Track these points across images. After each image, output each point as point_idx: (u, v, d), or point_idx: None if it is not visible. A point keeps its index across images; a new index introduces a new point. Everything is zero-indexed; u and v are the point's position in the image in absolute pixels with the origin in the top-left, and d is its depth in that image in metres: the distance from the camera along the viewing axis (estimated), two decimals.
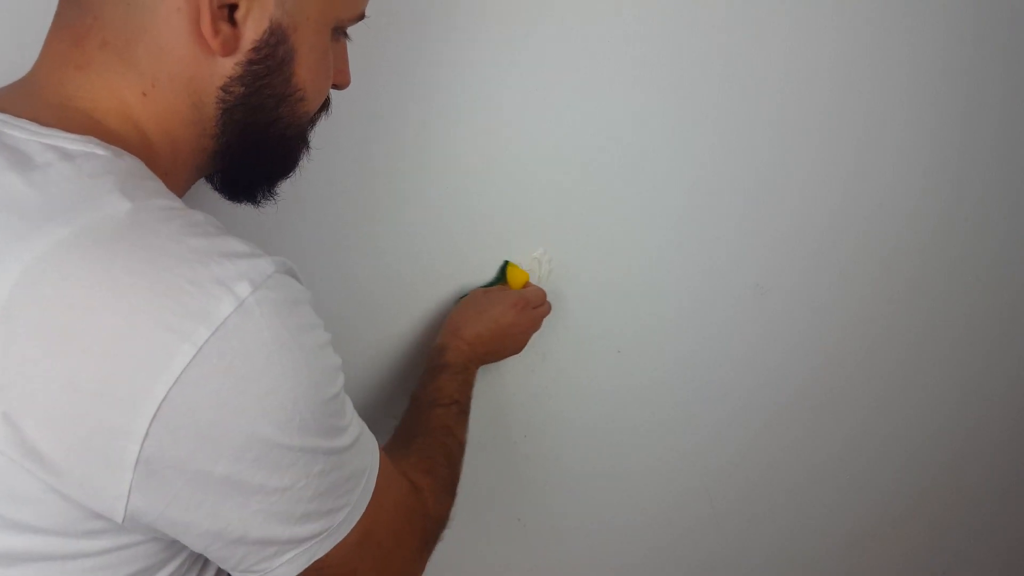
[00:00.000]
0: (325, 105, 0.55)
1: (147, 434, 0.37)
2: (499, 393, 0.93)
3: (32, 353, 0.37)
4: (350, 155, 0.76)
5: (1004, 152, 1.04)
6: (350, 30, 0.54)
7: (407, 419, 0.72)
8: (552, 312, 0.88)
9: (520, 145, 0.83)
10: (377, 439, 0.51)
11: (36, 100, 0.45)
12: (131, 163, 0.44)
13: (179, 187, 0.50)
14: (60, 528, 0.39)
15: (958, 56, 0.96)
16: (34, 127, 0.42)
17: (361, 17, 0.53)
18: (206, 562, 0.49)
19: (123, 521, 0.39)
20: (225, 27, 0.44)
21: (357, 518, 0.48)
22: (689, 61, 0.84)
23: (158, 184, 0.44)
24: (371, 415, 0.86)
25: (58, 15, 0.47)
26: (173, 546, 0.44)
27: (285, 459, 0.42)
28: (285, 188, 0.56)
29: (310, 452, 0.43)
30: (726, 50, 0.85)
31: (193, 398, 0.38)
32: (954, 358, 1.14)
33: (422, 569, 0.58)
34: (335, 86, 0.55)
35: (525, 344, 0.85)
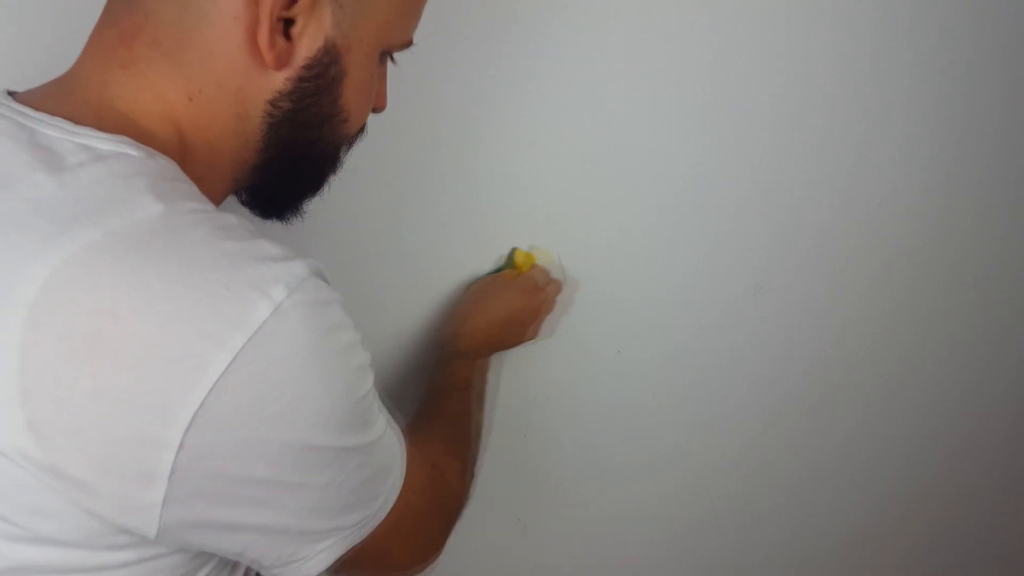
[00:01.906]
0: (362, 128, 0.54)
1: (181, 444, 0.36)
2: (499, 393, 0.93)
3: (58, 359, 0.36)
4: (358, 151, 0.76)
5: (1005, 151, 1.04)
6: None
7: (425, 405, 0.74)
8: (552, 312, 0.88)
9: (520, 144, 0.83)
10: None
11: (75, 98, 0.44)
12: (164, 164, 0.43)
13: (212, 196, 0.48)
14: (85, 541, 0.39)
15: (959, 55, 0.96)
16: (68, 125, 0.41)
17: (409, 44, 0.53)
18: (234, 568, 0.49)
19: (156, 535, 0.39)
20: (281, 41, 0.44)
21: (392, 504, 0.49)
22: (689, 60, 0.84)
23: (191, 187, 0.43)
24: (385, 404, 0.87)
25: (107, 11, 0.46)
26: (201, 556, 0.44)
27: (323, 459, 0.42)
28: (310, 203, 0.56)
29: (347, 450, 0.43)
30: (726, 49, 0.85)
31: (229, 405, 0.37)
32: (954, 358, 1.14)
33: (444, 545, 0.59)
34: (373, 110, 0.54)
35: (539, 328, 0.85)
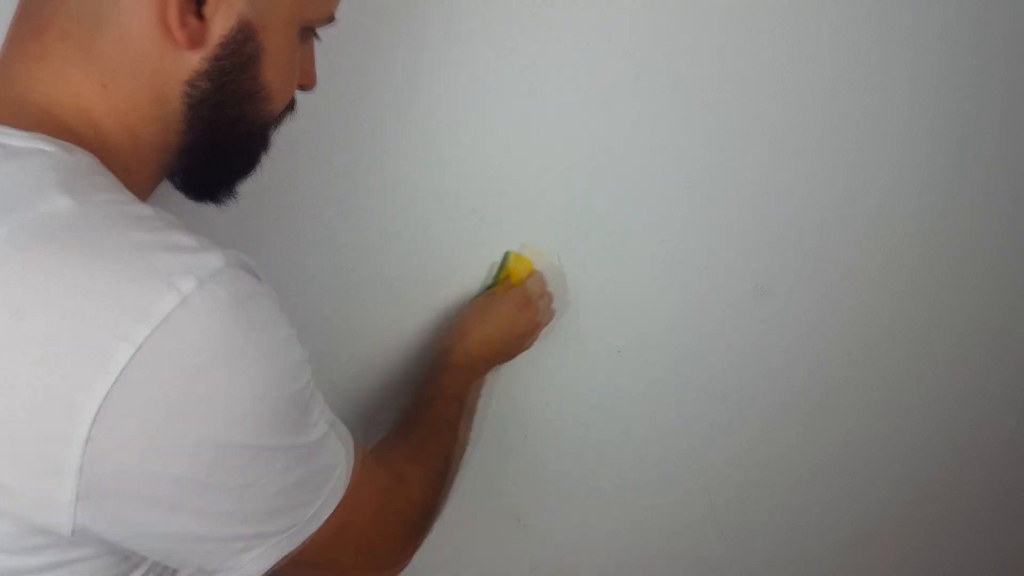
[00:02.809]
0: (290, 106, 0.54)
1: (88, 439, 0.36)
2: (499, 393, 0.93)
3: None
4: (347, 155, 0.76)
5: (1006, 151, 1.04)
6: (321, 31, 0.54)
7: (407, 413, 0.72)
8: (551, 318, 0.87)
9: (519, 145, 0.83)
10: (377, 437, 0.51)
11: None
12: (81, 159, 0.42)
13: (142, 185, 0.49)
14: (2, 543, 0.38)
15: (960, 55, 0.96)
16: None
17: (331, 19, 0.52)
18: (172, 574, 0.47)
19: (71, 534, 0.38)
20: (192, 20, 0.44)
21: (329, 512, 0.47)
22: (689, 60, 0.84)
23: (108, 179, 0.43)
24: (370, 414, 0.87)
25: (21, 5, 0.46)
26: (129, 560, 0.43)
27: (242, 457, 0.40)
28: (272, 189, 0.56)
29: (269, 449, 0.41)
30: (726, 49, 0.85)
31: (136, 399, 0.36)
32: (955, 358, 1.14)
33: (409, 558, 0.57)
34: (301, 87, 0.54)
35: (534, 340, 0.85)
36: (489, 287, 0.87)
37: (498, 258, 0.87)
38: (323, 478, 0.46)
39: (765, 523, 1.15)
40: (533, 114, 0.82)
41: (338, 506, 0.47)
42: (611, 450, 1.02)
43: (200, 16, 0.44)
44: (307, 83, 0.55)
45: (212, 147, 0.50)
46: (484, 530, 0.99)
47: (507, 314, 0.81)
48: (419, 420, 0.70)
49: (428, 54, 0.75)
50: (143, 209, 0.41)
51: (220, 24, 0.45)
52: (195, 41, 0.44)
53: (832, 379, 1.08)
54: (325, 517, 0.47)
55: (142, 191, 0.48)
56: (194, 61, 0.45)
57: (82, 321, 0.35)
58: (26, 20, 0.44)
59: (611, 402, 0.99)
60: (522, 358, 0.87)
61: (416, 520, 0.58)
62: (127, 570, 0.43)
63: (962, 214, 1.05)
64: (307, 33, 0.52)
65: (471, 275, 0.87)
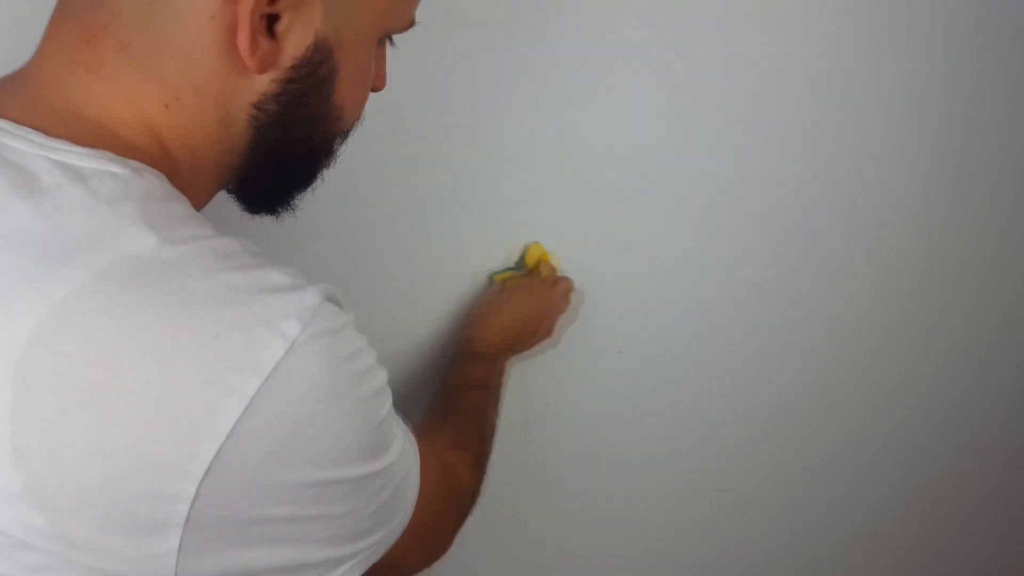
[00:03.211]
0: (357, 117, 0.50)
1: (196, 495, 0.34)
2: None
3: (54, 417, 0.32)
4: (361, 152, 0.76)
5: (1006, 151, 1.04)
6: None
7: (438, 401, 0.72)
8: (564, 312, 0.88)
9: (521, 144, 0.83)
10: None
11: (39, 103, 0.39)
12: (152, 182, 0.39)
13: (199, 203, 0.45)
14: None
15: (959, 55, 0.96)
16: (39, 137, 0.37)
17: (412, 24, 0.47)
18: None
19: None
20: (264, 41, 0.39)
21: (408, 518, 0.46)
22: (688, 59, 0.84)
23: (184, 207, 0.40)
24: (398, 407, 0.87)
25: (63, 1, 0.41)
26: None
27: (343, 489, 0.39)
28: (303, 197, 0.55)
29: (366, 477, 0.41)
30: (725, 48, 0.85)
31: (246, 453, 0.34)
32: (955, 358, 1.14)
33: (453, 540, 0.58)
34: (372, 89, 0.50)
35: (553, 328, 0.85)
36: (507, 271, 0.88)
37: (497, 255, 0.87)
38: (404, 487, 0.46)
39: (765, 523, 1.15)
40: (535, 114, 0.82)
41: (412, 512, 0.47)
42: (611, 450, 1.02)
43: (272, 35, 0.39)
44: (378, 86, 0.51)
45: (274, 167, 0.46)
46: (484, 530, 0.99)
47: (524, 300, 0.81)
48: (450, 407, 0.70)
49: (435, 56, 0.75)
50: (229, 244, 0.38)
51: (294, 44, 0.40)
52: (266, 64, 0.40)
53: (832, 379, 1.08)
54: (407, 523, 0.46)
55: (199, 208, 0.45)
56: (263, 83, 0.41)
57: (184, 376, 0.33)
58: (74, 22, 0.40)
59: (611, 402, 0.99)
60: (523, 357, 0.87)
61: (465, 506, 0.59)
62: None
63: (962, 214, 1.05)
64: (384, 39, 0.48)
65: (477, 270, 0.87)
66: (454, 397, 0.72)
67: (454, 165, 0.82)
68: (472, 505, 0.61)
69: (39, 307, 0.33)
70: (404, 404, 0.85)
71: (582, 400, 0.97)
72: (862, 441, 1.14)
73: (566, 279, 0.86)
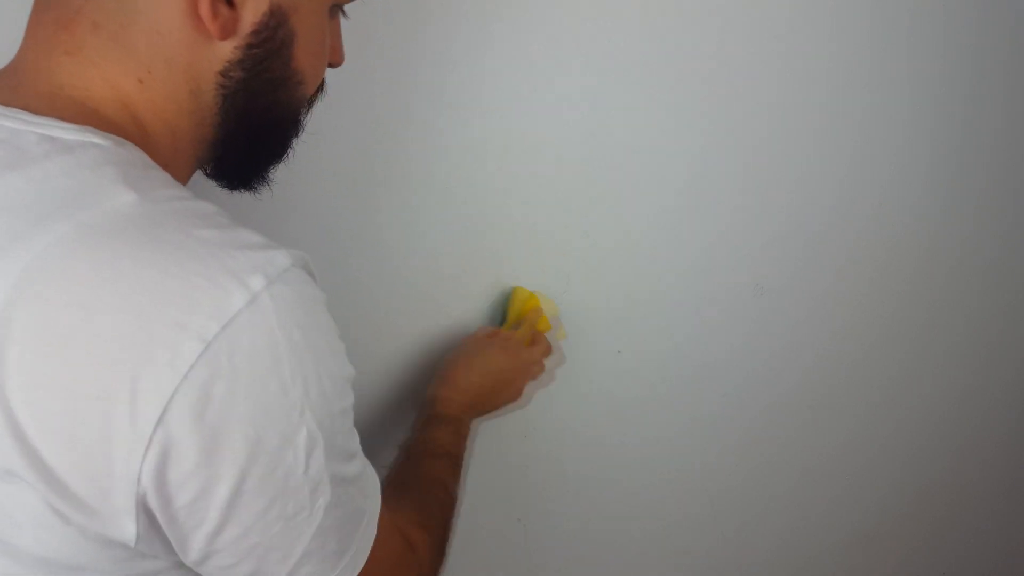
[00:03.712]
0: (320, 87, 0.53)
1: (151, 440, 0.35)
2: None
3: (33, 358, 0.34)
4: (353, 162, 0.76)
5: (1006, 150, 1.04)
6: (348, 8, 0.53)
7: (399, 469, 0.68)
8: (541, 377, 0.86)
9: (517, 145, 0.83)
10: (377, 468, 0.49)
11: (25, 88, 0.42)
12: (133, 152, 0.42)
13: (179, 178, 0.47)
14: (65, 558, 0.37)
15: (959, 54, 0.96)
16: (27, 116, 0.40)
17: None
18: None
19: (136, 541, 0.37)
20: (224, 9, 0.42)
21: (360, 566, 0.44)
22: (686, 59, 0.84)
23: (162, 174, 0.42)
24: (374, 433, 0.85)
25: None
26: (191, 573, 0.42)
27: (292, 480, 0.39)
28: (290, 187, 0.55)
29: (317, 475, 0.40)
30: (724, 48, 0.85)
31: (199, 399, 0.35)
32: (955, 358, 1.14)
33: None
34: (330, 65, 0.53)
35: (522, 390, 0.82)
36: (499, 325, 0.86)
37: (498, 259, 0.87)
38: (356, 523, 0.44)
39: (765, 523, 1.15)
40: (533, 115, 0.82)
41: (364, 565, 0.45)
42: (611, 450, 1.02)
43: (231, 4, 0.43)
44: (336, 60, 0.54)
45: (246, 136, 0.49)
46: (484, 530, 0.99)
47: (493, 361, 0.78)
48: (414, 478, 0.67)
49: (437, 61, 0.75)
50: (206, 206, 0.40)
51: (252, 11, 0.44)
52: (227, 31, 0.43)
53: (832, 379, 1.08)
54: (356, 570, 0.44)
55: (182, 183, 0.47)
56: (227, 51, 0.44)
57: (152, 319, 0.35)
58: (51, 12, 0.43)
59: (611, 402, 0.99)
60: (488, 418, 0.85)
61: None
62: None
63: (962, 214, 1.05)
64: (335, 11, 0.51)
65: (471, 275, 0.87)
66: (417, 465, 0.68)
67: (460, 168, 0.81)
68: None
69: (24, 256, 0.35)
70: (379, 430, 0.82)
71: (582, 400, 0.97)
72: (862, 441, 1.14)
73: (544, 341, 0.82)
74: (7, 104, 0.41)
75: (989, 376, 1.18)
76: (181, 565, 0.41)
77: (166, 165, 0.44)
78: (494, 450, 0.95)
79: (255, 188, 0.53)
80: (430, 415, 0.74)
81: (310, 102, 0.53)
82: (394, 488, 0.63)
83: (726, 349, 1.01)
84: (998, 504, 1.29)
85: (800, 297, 1.01)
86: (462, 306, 0.87)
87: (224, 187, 0.53)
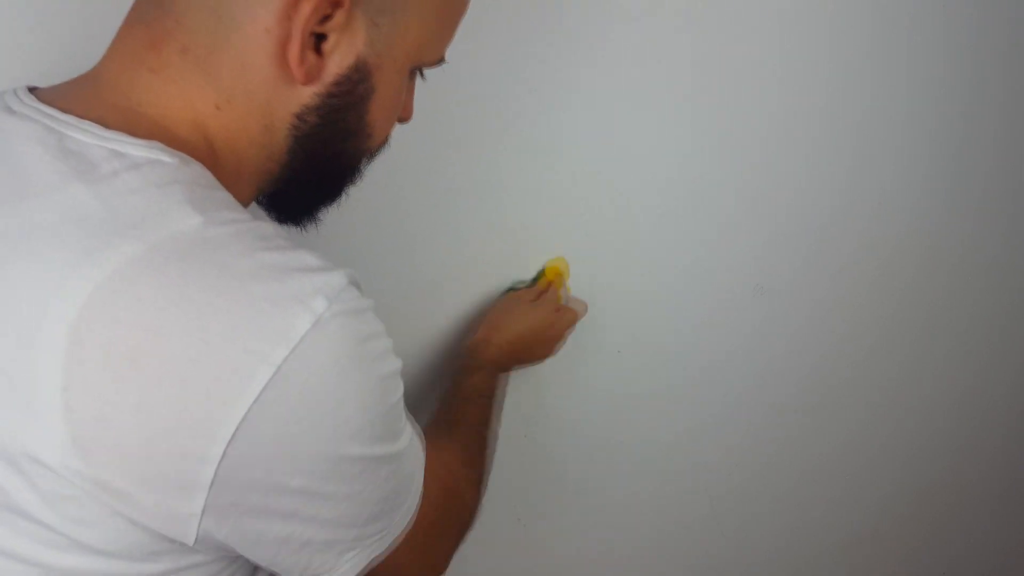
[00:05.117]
0: (385, 139, 0.54)
1: (223, 456, 0.37)
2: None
3: (102, 376, 0.36)
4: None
5: (1006, 150, 1.04)
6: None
7: (445, 409, 0.73)
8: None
9: (518, 144, 0.83)
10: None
11: (102, 100, 0.43)
12: (197, 171, 0.43)
13: (240, 200, 0.48)
14: (127, 551, 0.39)
15: (959, 53, 0.96)
16: (98, 130, 0.41)
17: (442, 61, 0.52)
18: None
19: (194, 543, 0.39)
20: (312, 56, 0.43)
21: (413, 512, 0.48)
22: (687, 59, 0.84)
23: (226, 195, 0.43)
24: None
25: (135, 9, 0.45)
26: (232, 565, 0.44)
27: (355, 468, 0.42)
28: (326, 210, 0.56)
29: (377, 459, 0.43)
30: (724, 48, 0.85)
31: (270, 418, 0.37)
32: (955, 358, 1.14)
33: (450, 558, 0.58)
34: (398, 120, 0.54)
35: (552, 351, 0.86)
36: (523, 285, 0.88)
37: (504, 258, 0.87)
38: (409, 481, 0.48)
39: (765, 523, 1.15)
40: (535, 116, 0.82)
41: (415, 514, 0.49)
42: (611, 450, 1.02)
43: (319, 52, 0.44)
44: (405, 117, 0.55)
45: (308, 178, 0.50)
46: (484, 530, 0.99)
47: (540, 316, 0.83)
48: (457, 419, 0.71)
49: (454, 64, 0.75)
50: (266, 228, 0.41)
51: (338, 63, 0.44)
52: (311, 77, 0.44)
53: (832, 379, 1.09)
54: (411, 517, 0.48)
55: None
56: (306, 96, 0.45)
57: (222, 343, 0.36)
58: (142, 28, 0.44)
59: (611, 402, 0.99)
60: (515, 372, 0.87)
61: (466, 522, 0.60)
62: (230, 574, 0.45)
63: (961, 214, 1.05)
64: (415, 72, 0.52)
65: (476, 274, 0.87)
66: (462, 408, 0.73)
67: (464, 167, 0.81)
68: (471, 525, 0.61)
69: (96, 275, 0.36)
70: (411, 407, 0.85)
71: (582, 400, 0.97)
72: (862, 441, 1.14)
73: (571, 312, 0.87)
74: (82, 116, 0.42)
75: (989, 376, 1.18)
76: (232, 558, 0.44)
77: (229, 187, 0.45)
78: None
79: (303, 224, 0.54)
80: (477, 360, 0.79)
81: (374, 154, 0.54)
82: (442, 428, 0.68)
83: (726, 349, 1.01)
84: (998, 504, 1.29)
85: (801, 297, 1.01)
86: (462, 306, 0.87)
87: (274, 219, 0.54)
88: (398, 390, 0.44)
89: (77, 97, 0.44)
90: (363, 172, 0.54)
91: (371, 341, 0.41)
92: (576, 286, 0.91)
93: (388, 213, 0.80)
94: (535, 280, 0.89)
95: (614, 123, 0.85)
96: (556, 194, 0.86)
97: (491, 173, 0.83)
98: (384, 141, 0.53)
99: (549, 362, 0.93)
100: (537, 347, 0.84)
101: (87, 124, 0.41)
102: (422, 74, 0.54)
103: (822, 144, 0.94)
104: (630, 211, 0.89)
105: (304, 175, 0.49)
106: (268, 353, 0.36)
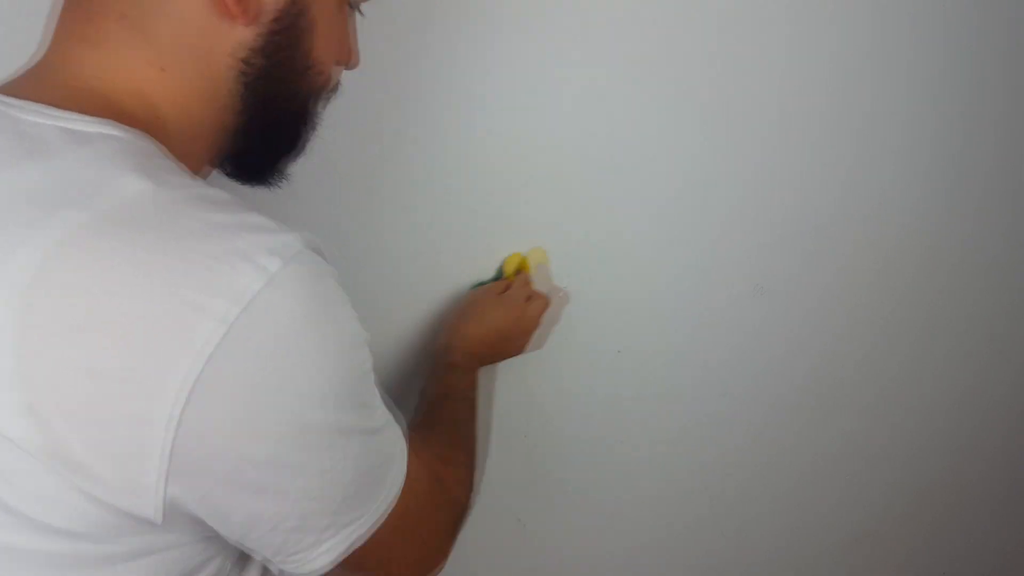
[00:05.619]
0: (335, 85, 0.54)
1: (180, 421, 0.36)
2: (499, 393, 0.93)
3: (55, 341, 0.35)
4: (350, 153, 0.76)
5: (1006, 151, 1.04)
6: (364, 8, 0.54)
7: (422, 413, 0.73)
8: (543, 325, 0.87)
9: (519, 143, 0.83)
10: None
11: (51, 82, 0.44)
12: (149, 144, 0.43)
13: (198, 169, 0.48)
14: (89, 531, 0.38)
15: (959, 53, 0.96)
16: (50, 110, 0.41)
17: None
18: (246, 563, 0.48)
19: (162, 519, 0.38)
20: None
21: (392, 503, 0.47)
22: (688, 58, 0.84)
23: (177, 164, 0.43)
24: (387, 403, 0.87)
25: None
26: (210, 548, 0.44)
27: (323, 439, 0.41)
28: (292, 179, 0.56)
29: (347, 432, 0.42)
30: (725, 47, 0.85)
31: (226, 380, 0.36)
32: (955, 358, 1.14)
33: (447, 555, 0.58)
34: (345, 66, 0.54)
35: (523, 347, 0.85)
36: (484, 282, 0.88)
37: (498, 256, 0.87)
38: (386, 468, 0.47)
39: (765, 523, 1.15)
40: (533, 114, 0.82)
41: (397, 499, 0.48)
42: (611, 450, 1.02)
43: None
44: (351, 61, 0.55)
45: (265, 126, 0.50)
46: (484, 530, 0.99)
47: (501, 313, 0.82)
48: (436, 419, 0.71)
49: (433, 52, 0.76)
50: (218, 193, 0.41)
51: None
52: (250, 15, 0.44)
53: (832, 379, 1.09)
54: (390, 505, 0.47)
55: (200, 176, 0.48)
56: (249, 37, 0.45)
57: (168, 301, 0.35)
58: (78, 5, 0.44)
59: (611, 402, 0.99)
60: (522, 357, 0.87)
61: (456, 520, 0.59)
62: (207, 558, 0.44)
63: (961, 214, 1.05)
64: (351, 8, 0.53)
65: (470, 272, 0.87)
66: (437, 409, 0.72)
67: (447, 165, 0.81)
68: (463, 520, 0.61)
69: (45, 243, 0.36)
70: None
71: (582, 400, 0.97)
72: (862, 441, 1.14)
73: (541, 298, 0.86)
74: (33, 99, 0.42)
75: (989, 376, 1.18)
76: (207, 539, 0.43)
77: (182, 157, 0.45)
78: (494, 450, 0.95)
79: (271, 183, 0.54)
80: (447, 363, 0.78)
81: (325, 98, 0.53)
82: (421, 431, 0.66)
83: (726, 349, 1.01)
84: (998, 504, 1.29)
85: (800, 297, 1.01)
86: (440, 311, 0.87)
87: (243, 183, 0.54)
88: (366, 361, 0.43)
89: (30, 84, 0.44)
90: (318, 118, 0.53)
91: (333, 306, 0.41)
92: (575, 286, 0.91)
93: (367, 208, 0.80)
94: (498, 275, 0.88)
95: (614, 122, 0.85)
96: (553, 192, 0.86)
97: (487, 173, 0.83)
98: (333, 82, 0.53)
99: (549, 362, 0.93)
100: (514, 338, 0.83)
101: (38, 106, 0.41)
102: (360, 10, 0.54)
103: (822, 144, 0.94)
104: (630, 211, 0.89)
105: (260, 123, 0.49)
106: (215, 308, 0.36)
